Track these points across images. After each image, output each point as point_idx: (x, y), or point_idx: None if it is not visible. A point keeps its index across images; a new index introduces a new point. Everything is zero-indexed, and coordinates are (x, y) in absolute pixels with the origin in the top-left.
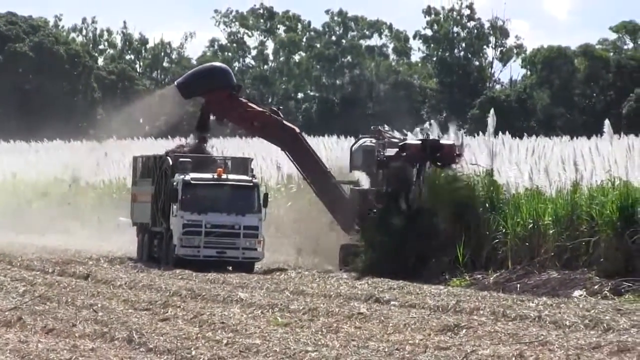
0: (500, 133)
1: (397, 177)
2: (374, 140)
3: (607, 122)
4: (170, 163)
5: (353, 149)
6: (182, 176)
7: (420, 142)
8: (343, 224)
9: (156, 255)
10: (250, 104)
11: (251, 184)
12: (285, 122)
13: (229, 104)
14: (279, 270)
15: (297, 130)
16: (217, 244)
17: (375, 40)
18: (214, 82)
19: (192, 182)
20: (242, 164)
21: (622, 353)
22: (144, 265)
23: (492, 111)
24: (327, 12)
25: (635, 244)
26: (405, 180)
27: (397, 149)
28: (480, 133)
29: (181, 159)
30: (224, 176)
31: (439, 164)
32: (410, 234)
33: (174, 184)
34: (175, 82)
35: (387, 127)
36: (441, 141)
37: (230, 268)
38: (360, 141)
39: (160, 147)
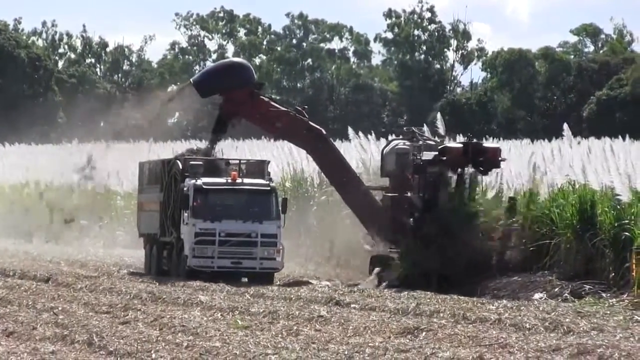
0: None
1: (436, 182)
2: (407, 143)
3: (565, 125)
4: (180, 167)
5: (385, 152)
6: (193, 181)
7: (461, 145)
8: (375, 234)
9: (166, 268)
10: (272, 103)
11: (268, 188)
12: (311, 123)
13: (250, 104)
14: (302, 283)
15: (324, 132)
16: (232, 253)
17: (335, 44)
18: (235, 79)
19: (204, 187)
20: (258, 167)
21: (581, 355)
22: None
23: (438, 115)
24: (287, 15)
25: (595, 247)
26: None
27: (436, 153)
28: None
29: (192, 162)
30: (238, 180)
31: (481, 169)
32: (450, 245)
33: (185, 189)
34: (192, 80)
35: (423, 129)
36: (484, 144)
37: (246, 279)
38: (392, 144)
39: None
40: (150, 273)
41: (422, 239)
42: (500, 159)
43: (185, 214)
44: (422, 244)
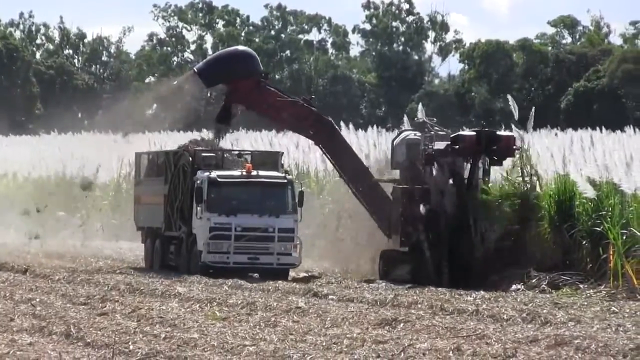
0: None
1: (450, 173)
2: (418, 134)
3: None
4: (190, 159)
5: (395, 143)
6: (207, 173)
7: (475, 133)
8: (386, 228)
9: (173, 264)
10: (280, 93)
11: (285, 181)
12: (320, 113)
13: (257, 94)
14: (313, 278)
15: (333, 122)
16: (248, 249)
17: (314, 35)
18: (240, 68)
19: (219, 179)
20: (271, 159)
21: (559, 346)
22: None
23: (420, 106)
24: (266, 6)
25: (573, 238)
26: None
27: (449, 142)
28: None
29: (204, 154)
30: (253, 173)
31: (495, 158)
32: (462, 239)
33: (198, 182)
34: (195, 69)
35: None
36: (498, 132)
37: (257, 275)
38: (403, 134)
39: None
40: (152, 268)
41: (434, 232)
42: (514, 147)
43: (199, 208)
44: (434, 237)
